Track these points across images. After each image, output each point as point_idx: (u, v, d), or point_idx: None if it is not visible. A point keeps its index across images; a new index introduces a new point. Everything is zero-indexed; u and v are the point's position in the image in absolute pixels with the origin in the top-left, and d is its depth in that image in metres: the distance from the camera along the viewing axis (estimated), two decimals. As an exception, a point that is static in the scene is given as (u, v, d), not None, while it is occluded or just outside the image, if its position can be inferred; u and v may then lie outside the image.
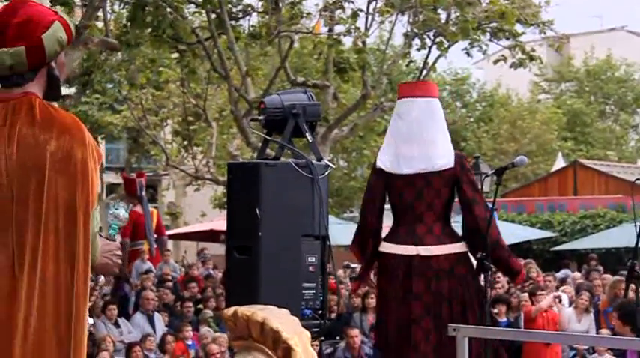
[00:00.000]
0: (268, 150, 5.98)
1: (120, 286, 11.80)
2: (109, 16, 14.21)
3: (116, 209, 3.78)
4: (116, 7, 15.63)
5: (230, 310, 2.86)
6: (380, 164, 6.00)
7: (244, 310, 2.83)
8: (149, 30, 14.38)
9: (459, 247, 6.04)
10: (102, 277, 11.62)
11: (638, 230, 5.29)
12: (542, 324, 10.26)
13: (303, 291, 5.30)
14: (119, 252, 3.44)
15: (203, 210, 30.11)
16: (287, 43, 16.19)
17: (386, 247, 5.97)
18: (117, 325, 10.40)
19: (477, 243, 5.91)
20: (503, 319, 10.49)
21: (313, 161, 5.40)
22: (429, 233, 5.96)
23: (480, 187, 16.81)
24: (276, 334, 2.78)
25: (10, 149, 3.15)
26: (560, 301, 10.83)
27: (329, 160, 5.91)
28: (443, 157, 5.99)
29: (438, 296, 5.82)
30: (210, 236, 23.84)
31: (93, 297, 10.45)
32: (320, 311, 5.36)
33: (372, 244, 6.03)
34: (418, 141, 5.98)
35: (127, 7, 14.90)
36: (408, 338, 5.75)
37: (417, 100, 6.09)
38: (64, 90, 18.58)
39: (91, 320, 9.65)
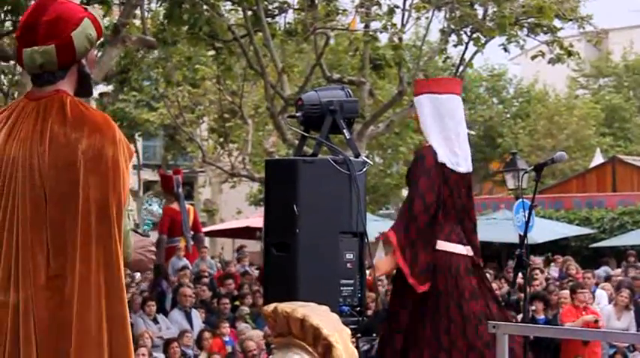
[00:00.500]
0: (305, 148, 5.96)
1: (158, 282, 11.88)
2: (145, 13, 14.28)
3: (150, 205, 3.78)
4: (153, 5, 15.72)
5: (270, 307, 2.86)
6: (442, 159, 5.86)
7: (284, 307, 2.82)
8: (186, 27, 14.46)
9: None
10: (138, 274, 11.65)
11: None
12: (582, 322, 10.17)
13: (341, 288, 5.29)
14: (153, 248, 3.45)
15: (239, 206, 30.23)
16: (323, 40, 16.19)
17: (438, 245, 5.82)
18: (155, 321, 10.47)
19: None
20: (541, 316, 10.42)
21: (351, 157, 5.40)
22: (464, 233, 5.93)
23: (518, 183, 16.67)
24: (317, 331, 2.78)
25: (42, 147, 3.17)
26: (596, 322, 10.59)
27: (365, 157, 5.85)
28: (470, 160, 6.03)
29: (489, 295, 5.85)
30: (246, 232, 23.93)
31: (129, 294, 10.49)
32: (358, 308, 5.35)
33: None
34: (463, 141, 5.98)
35: (163, 4, 14.97)
36: (477, 336, 5.64)
37: (459, 98, 6.09)
38: (102, 88, 18.84)
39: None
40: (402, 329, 5.76)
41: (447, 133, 5.91)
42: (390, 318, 5.97)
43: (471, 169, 6.00)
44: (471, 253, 5.87)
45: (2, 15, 13.12)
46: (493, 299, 5.88)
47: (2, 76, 16.48)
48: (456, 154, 5.89)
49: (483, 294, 5.79)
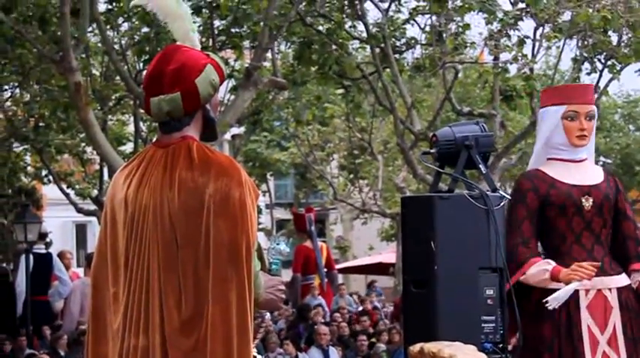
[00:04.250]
0: (440, 184, 5.91)
1: (297, 324, 11.95)
2: (276, 55, 14.55)
3: (277, 244, 3.80)
4: (283, 47, 16.01)
5: (416, 347, 2.84)
6: None
7: (431, 347, 2.80)
8: (315, 67, 14.65)
9: None
10: (268, 314, 11.72)
11: None
12: None
13: (483, 325, 5.18)
14: (282, 287, 3.47)
15: (371, 242, 30.23)
16: (451, 74, 16.12)
17: None
18: (296, 359, 10.55)
19: None
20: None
21: (488, 192, 5.32)
22: None
23: None
24: (464, 371, 2.74)
25: (172, 193, 3.23)
26: None
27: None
28: None
29: None
30: (379, 269, 23.89)
31: (261, 333, 10.55)
32: (500, 345, 5.25)
33: None
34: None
35: (293, 46, 15.23)
36: None
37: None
38: (235, 130, 19.25)
39: (260, 357, 9.74)
40: None
41: None
42: None
43: None
44: None
45: (141, 64, 13.63)
46: None
47: (141, 123, 17.03)
48: None
49: None
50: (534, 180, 5.10)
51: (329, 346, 10.99)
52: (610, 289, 4.98)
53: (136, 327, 3.21)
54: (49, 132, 16.96)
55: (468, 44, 15.39)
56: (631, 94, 34.81)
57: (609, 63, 15.31)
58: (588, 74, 16.14)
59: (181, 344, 3.16)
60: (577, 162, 5.10)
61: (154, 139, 3.54)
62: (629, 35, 14.39)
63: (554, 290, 4.92)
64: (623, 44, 14.61)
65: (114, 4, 13.93)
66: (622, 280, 5.01)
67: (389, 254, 24.46)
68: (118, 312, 3.28)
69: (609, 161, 33.10)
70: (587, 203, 5.01)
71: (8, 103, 17.04)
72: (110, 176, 14.73)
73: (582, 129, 4.99)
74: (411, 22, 15.48)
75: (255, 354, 3.35)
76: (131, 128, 18.50)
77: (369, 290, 18.22)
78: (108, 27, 13.76)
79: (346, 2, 14.68)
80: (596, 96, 16.75)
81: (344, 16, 14.91)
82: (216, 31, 13.97)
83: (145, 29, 14.41)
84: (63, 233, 27.59)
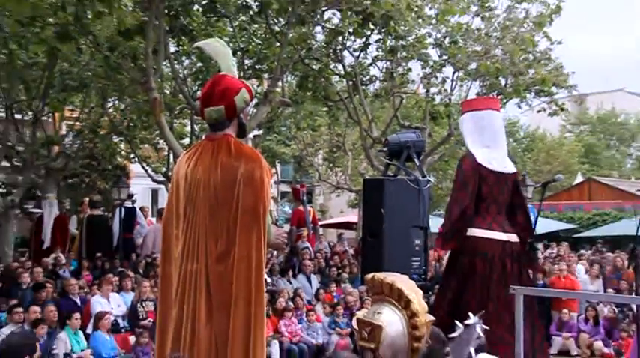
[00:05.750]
0: (388, 171, 5.89)
1: (291, 258, 11.90)
2: (285, 83, 14.46)
3: (282, 207, 3.83)
4: (289, 79, 15.92)
5: (369, 275, 2.82)
6: (480, 160, 4.94)
7: (379, 275, 2.78)
8: (310, 92, 14.57)
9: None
10: (275, 252, 11.59)
11: (638, 223, 4.79)
12: (563, 287, 9.70)
13: (412, 263, 5.21)
14: (285, 235, 3.49)
15: (342, 208, 30.18)
16: (398, 100, 16.08)
17: (479, 233, 4.85)
18: (289, 282, 10.48)
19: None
20: (540, 282, 9.98)
21: (419, 177, 5.31)
22: (506, 223, 4.99)
23: (526, 195, 15.84)
24: (400, 291, 2.73)
25: (216, 172, 3.24)
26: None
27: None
28: (511, 163, 5.10)
29: (513, 276, 4.87)
30: (347, 225, 23.85)
31: (269, 265, 10.44)
32: (423, 276, 5.26)
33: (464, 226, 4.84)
34: (501, 147, 5.08)
35: (295, 78, 15.16)
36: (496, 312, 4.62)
37: (496, 113, 5.24)
38: (256, 132, 19.06)
39: (269, 279, 9.71)
40: (451, 288, 4.93)
41: (485, 142, 5.00)
42: (443, 281, 5.27)
43: (510, 171, 5.03)
44: (514, 240, 4.90)
45: (197, 87, 13.48)
46: (520, 283, 4.64)
47: (195, 125, 16.95)
48: (488, 157, 4.97)
49: (512, 278, 4.75)
50: None
51: (311, 274, 10.96)
52: None
53: (190, 257, 3.22)
54: (136, 129, 16.84)
55: (410, 81, 15.37)
56: (511, 118, 34.97)
57: (499, 97, 15.31)
58: (485, 104, 16.06)
59: (217, 268, 3.16)
60: None
61: (205, 135, 3.52)
62: (512, 80, 14.44)
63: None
64: (508, 86, 14.66)
65: (180, 47, 13.78)
66: None
67: (353, 216, 24.44)
68: (178, 246, 3.28)
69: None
70: None
71: (111, 110, 16.91)
72: (175, 159, 14.63)
73: None
74: (373, 65, 15.40)
75: (266, 277, 3.35)
76: (188, 128, 18.38)
77: (339, 239, 18.13)
78: (175, 62, 13.61)
79: (331, 51, 14.58)
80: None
81: (329, 59, 14.83)
82: (245, 67, 13.87)
83: (200, 64, 14.30)
84: (143, 195, 27.36)
